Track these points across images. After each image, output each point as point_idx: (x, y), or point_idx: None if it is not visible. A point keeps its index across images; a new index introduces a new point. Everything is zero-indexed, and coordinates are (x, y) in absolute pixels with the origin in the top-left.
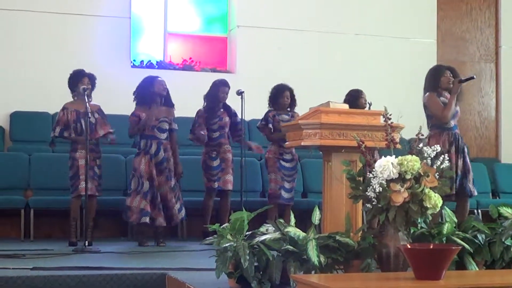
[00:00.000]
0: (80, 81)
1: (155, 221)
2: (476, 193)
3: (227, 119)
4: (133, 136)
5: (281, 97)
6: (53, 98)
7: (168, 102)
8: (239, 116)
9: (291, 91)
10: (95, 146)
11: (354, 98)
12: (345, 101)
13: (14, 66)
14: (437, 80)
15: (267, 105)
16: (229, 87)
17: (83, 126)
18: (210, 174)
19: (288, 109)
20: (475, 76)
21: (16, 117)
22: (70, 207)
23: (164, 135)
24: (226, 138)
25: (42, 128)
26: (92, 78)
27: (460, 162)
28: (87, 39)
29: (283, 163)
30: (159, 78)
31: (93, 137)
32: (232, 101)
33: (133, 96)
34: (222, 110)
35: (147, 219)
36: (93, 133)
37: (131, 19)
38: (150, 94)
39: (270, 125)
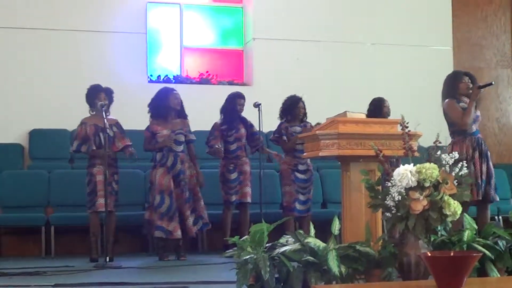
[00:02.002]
0: (97, 96)
1: (172, 234)
2: (498, 199)
3: (243, 130)
4: (148, 151)
5: (296, 107)
6: (72, 115)
7: (182, 114)
8: (258, 128)
9: (303, 102)
10: (113, 161)
11: (378, 107)
12: (368, 110)
13: (33, 83)
14: (456, 87)
15: (279, 117)
16: (244, 99)
17: (102, 139)
18: (228, 187)
19: (301, 120)
20: (493, 83)
21: (35, 135)
22: (89, 223)
23: (180, 147)
24: (243, 150)
25: (61, 145)
26: (108, 93)
27: (484, 168)
28: (104, 55)
29: (298, 174)
30: (174, 91)
31: (112, 151)
32: (249, 113)
33: (148, 109)
34: (238, 121)
35: (161, 233)
36: (112, 146)
37: (148, 35)
38: (165, 108)
39: (284, 137)
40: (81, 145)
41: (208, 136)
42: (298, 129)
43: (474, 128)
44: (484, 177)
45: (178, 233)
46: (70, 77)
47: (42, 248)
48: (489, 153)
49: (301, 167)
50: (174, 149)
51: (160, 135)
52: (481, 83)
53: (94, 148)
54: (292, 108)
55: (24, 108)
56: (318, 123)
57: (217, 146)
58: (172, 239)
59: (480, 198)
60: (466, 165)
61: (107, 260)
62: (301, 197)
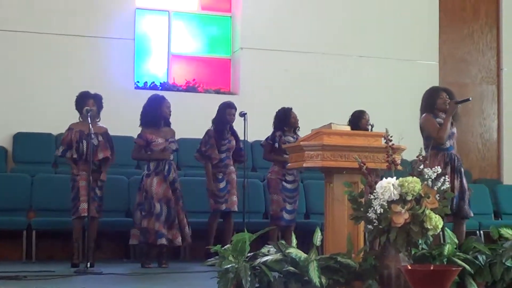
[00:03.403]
0: (85, 103)
1: (173, 241)
2: (472, 215)
3: (233, 142)
4: (138, 160)
5: (290, 117)
6: (56, 120)
7: (168, 122)
8: (242, 137)
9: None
10: (97, 168)
11: (357, 119)
12: (349, 122)
13: (17, 87)
14: (434, 102)
15: (273, 128)
16: (235, 109)
17: (85, 147)
18: (217, 196)
19: (294, 131)
20: (470, 98)
21: (19, 138)
22: (72, 228)
23: (172, 156)
24: (231, 159)
25: (45, 149)
26: (97, 99)
27: (456, 183)
28: (92, 60)
29: (286, 184)
30: (166, 100)
31: (93, 159)
32: (235, 123)
33: (140, 117)
34: (230, 133)
35: (163, 241)
36: (94, 155)
37: (136, 41)
38: (158, 116)
39: (276, 144)
40: (67, 151)
41: (203, 143)
42: (291, 139)
43: (448, 144)
44: (456, 192)
45: (179, 240)
46: (56, 82)
47: (23, 252)
48: (462, 170)
49: (289, 178)
50: (168, 158)
51: (156, 143)
52: (458, 99)
53: (75, 156)
54: (288, 118)
55: (9, 112)
56: None
57: (213, 156)
58: (176, 246)
59: (450, 212)
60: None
61: (88, 265)
62: (288, 207)
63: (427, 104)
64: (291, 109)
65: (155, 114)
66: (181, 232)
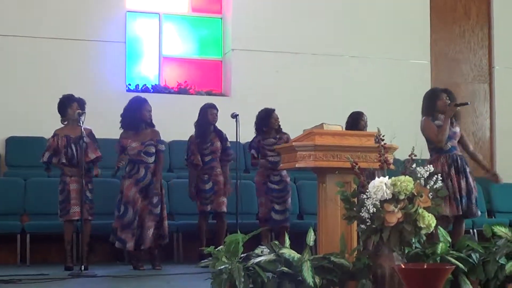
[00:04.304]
0: (70, 106)
1: (125, 244)
2: (479, 214)
3: (218, 144)
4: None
5: (271, 118)
6: (48, 123)
7: (151, 124)
8: (234, 139)
9: (276, 114)
10: (86, 171)
11: (355, 120)
12: (346, 123)
13: (9, 91)
14: (434, 104)
15: (255, 131)
16: (217, 109)
17: (74, 151)
18: (203, 197)
19: (276, 131)
20: (469, 103)
21: (12, 142)
22: (64, 231)
23: (151, 159)
24: (218, 162)
25: (38, 153)
26: (81, 103)
27: (463, 183)
28: (83, 63)
29: (271, 185)
30: (146, 103)
31: (84, 161)
32: (227, 124)
33: (120, 119)
34: (214, 134)
35: (118, 244)
36: (85, 156)
37: (127, 43)
38: (137, 120)
39: (253, 151)
40: (52, 157)
41: (186, 152)
42: (272, 141)
43: (450, 145)
44: (464, 192)
45: (131, 244)
46: (48, 85)
47: (17, 256)
48: (468, 169)
49: (273, 178)
50: (145, 161)
51: (130, 148)
52: (458, 102)
53: (64, 161)
54: (267, 120)
55: (1, 116)
56: None
57: (195, 162)
58: (128, 250)
59: (461, 213)
60: (441, 181)
61: (82, 268)
62: (277, 207)
63: (427, 107)
64: (273, 110)
65: (134, 117)
66: (140, 237)
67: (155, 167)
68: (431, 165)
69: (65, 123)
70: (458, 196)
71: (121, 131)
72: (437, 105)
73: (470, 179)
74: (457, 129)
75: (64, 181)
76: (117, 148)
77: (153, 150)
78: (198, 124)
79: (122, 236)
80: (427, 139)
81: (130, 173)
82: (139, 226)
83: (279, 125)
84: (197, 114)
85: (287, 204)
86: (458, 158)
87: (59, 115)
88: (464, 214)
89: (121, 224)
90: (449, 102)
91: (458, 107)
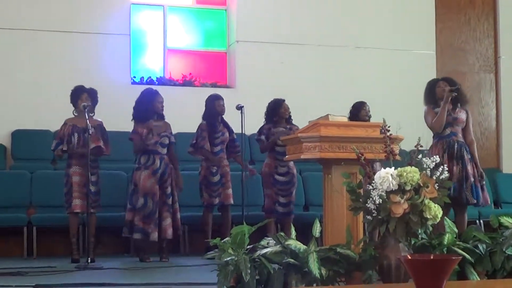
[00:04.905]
0: (79, 97)
1: (149, 236)
2: (475, 201)
3: (227, 134)
4: (139, 153)
5: (281, 108)
6: (54, 116)
7: (163, 116)
8: (240, 130)
9: (287, 104)
10: (91, 162)
11: (357, 110)
12: (349, 113)
13: (15, 84)
14: (433, 93)
15: (265, 121)
16: (223, 100)
17: (76, 139)
18: (211, 190)
19: (286, 122)
20: (458, 86)
21: (18, 135)
22: (68, 224)
23: (165, 150)
24: (224, 153)
25: (44, 146)
26: (92, 93)
27: (455, 169)
28: (88, 56)
29: (278, 177)
30: (158, 95)
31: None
32: (232, 116)
33: (132, 111)
34: (222, 125)
35: (138, 235)
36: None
37: (131, 36)
38: (149, 111)
39: (263, 136)
40: (59, 145)
41: (196, 137)
42: (282, 130)
43: (449, 130)
44: (455, 179)
45: (155, 235)
46: (54, 78)
47: (24, 248)
48: (466, 156)
49: (281, 170)
50: (160, 152)
51: (147, 138)
52: (452, 87)
53: (65, 148)
54: (277, 110)
55: (7, 109)
56: None
57: (206, 148)
58: (149, 241)
59: (451, 199)
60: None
61: (89, 261)
62: (282, 199)
63: (428, 97)
64: (283, 100)
65: (147, 109)
66: (159, 227)
67: (169, 158)
68: (430, 151)
69: (76, 114)
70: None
71: (128, 123)
72: (436, 92)
73: (468, 167)
74: (461, 115)
75: (68, 174)
76: (136, 137)
77: (167, 141)
78: (207, 116)
79: (146, 228)
80: (428, 126)
81: (146, 164)
82: (159, 219)
83: (290, 115)
84: (203, 106)
85: (291, 196)
86: (456, 144)
87: (64, 108)
88: (454, 201)
89: (142, 216)
90: (447, 88)
91: (454, 92)
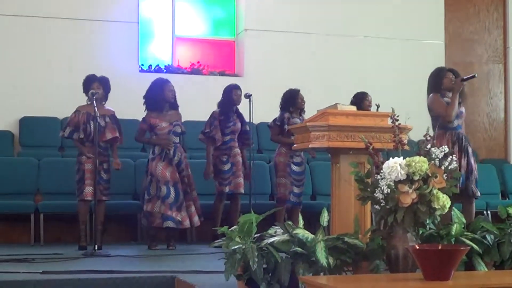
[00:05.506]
0: (90, 86)
1: (182, 223)
2: (479, 194)
3: (239, 125)
4: (139, 142)
5: (298, 98)
6: (62, 103)
7: (174, 105)
8: (247, 119)
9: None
10: (103, 150)
11: (359, 100)
12: (351, 103)
13: (24, 71)
14: (440, 82)
15: (280, 109)
16: (241, 90)
17: (91, 128)
18: (221, 178)
19: (300, 113)
20: (476, 75)
21: (26, 122)
22: (78, 211)
23: (177, 139)
24: (235, 142)
25: (51, 133)
26: (103, 82)
27: (463, 162)
28: (96, 44)
29: (294, 167)
30: (169, 83)
31: (100, 140)
32: (240, 104)
33: (143, 101)
34: (235, 115)
35: (170, 223)
36: (101, 135)
37: (140, 24)
38: (161, 100)
39: (285, 126)
40: (74, 132)
41: (208, 124)
42: (298, 121)
43: (456, 123)
44: (463, 171)
45: (187, 223)
46: (61, 66)
47: (31, 235)
48: (470, 149)
49: (296, 159)
50: (174, 141)
51: (160, 127)
52: (464, 76)
53: (82, 136)
54: (295, 99)
55: (15, 96)
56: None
57: (216, 137)
58: (182, 228)
59: (458, 192)
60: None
61: (96, 248)
62: (296, 190)
63: (433, 84)
64: (298, 91)
65: (158, 98)
66: (189, 215)
67: (181, 147)
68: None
69: (89, 102)
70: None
71: (136, 111)
72: (444, 82)
73: (472, 159)
74: (463, 109)
75: (80, 161)
76: (144, 127)
77: (180, 130)
78: (222, 103)
79: (174, 215)
80: (433, 116)
81: (161, 154)
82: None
83: (304, 107)
84: (211, 94)
85: (303, 186)
86: (463, 136)
87: (71, 95)
88: (462, 194)
89: (168, 205)
90: (455, 79)
91: (466, 81)
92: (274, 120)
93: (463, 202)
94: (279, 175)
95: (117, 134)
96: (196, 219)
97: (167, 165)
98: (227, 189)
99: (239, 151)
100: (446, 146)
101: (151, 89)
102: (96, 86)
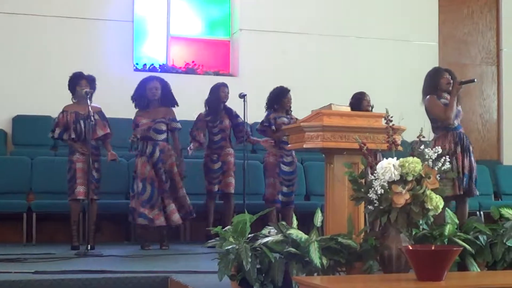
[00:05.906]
0: (78, 83)
1: (153, 221)
2: (477, 193)
3: (227, 121)
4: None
5: (285, 97)
6: (56, 102)
7: (166, 102)
8: (243, 119)
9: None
10: (94, 149)
11: (357, 101)
12: (350, 104)
13: (17, 69)
14: (437, 83)
15: (266, 107)
16: (227, 88)
17: (83, 127)
18: (210, 177)
19: (287, 112)
20: (476, 80)
21: (19, 121)
22: (70, 211)
23: (161, 136)
24: (227, 141)
25: (44, 132)
26: (90, 80)
27: (466, 162)
28: (90, 42)
29: (284, 167)
30: (151, 81)
31: (92, 138)
32: (234, 104)
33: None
34: (223, 112)
35: (142, 221)
36: (93, 133)
37: (134, 23)
38: (144, 98)
39: (273, 127)
40: (63, 133)
41: (192, 127)
42: (285, 120)
43: (456, 123)
44: (466, 171)
45: (161, 220)
46: (55, 64)
47: (23, 235)
48: (471, 148)
49: (286, 159)
50: (154, 138)
51: (141, 124)
52: (463, 79)
53: (74, 136)
54: (280, 98)
55: (8, 94)
56: None
57: (198, 138)
58: (155, 226)
59: (462, 192)
60: (449, 160)
61: (88, 248)
62: (285, 189)
63: (430, 85)
64: (288, 91)
65: (141, 96)
66: (165, 213)
67: (166, 145)
68: (437, 143)
69: (75, 100)
70: (462, 176)
71: (130, 110)
72: (440, 83)
73: (473, 158)
74: (460, 108)
75: (71, 160)
76: (133, 126)
77: (164, 128)
78: (209, 102)
79: (146, 212)
80: (432, 118)
81: (142, 151)
82: (161, 203)
83: (290, 107)
84: (205, 94)
85: (294, 187)
86: (464, 136)
87: (65, 94)
88: (465, 194)
89: (142, 201)
90: (452, 81)
91: (464, 85)
92: (262, 123)
93: (457, 202)
94: (268, 175)
95: (108, 130)
96: (176, 217)
97: (146, 162)
98: (216, 188)
99: (231, 151)
100: (448, 147)
101: (136, 87)
102: (85, 83)
